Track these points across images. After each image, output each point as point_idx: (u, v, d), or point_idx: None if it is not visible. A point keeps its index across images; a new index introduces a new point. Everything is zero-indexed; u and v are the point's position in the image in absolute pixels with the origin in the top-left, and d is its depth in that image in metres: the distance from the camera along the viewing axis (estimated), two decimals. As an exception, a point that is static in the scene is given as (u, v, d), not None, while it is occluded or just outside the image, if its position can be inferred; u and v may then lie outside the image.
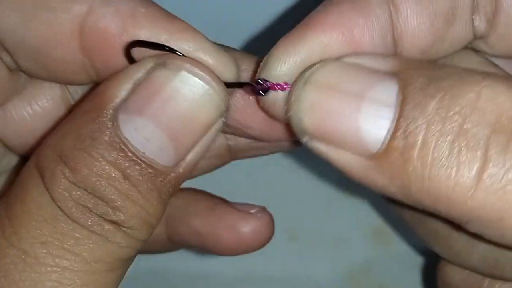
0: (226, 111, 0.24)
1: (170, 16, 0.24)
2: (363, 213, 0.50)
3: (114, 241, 0.23)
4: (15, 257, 0.22)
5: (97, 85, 0.25)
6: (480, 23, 0.26)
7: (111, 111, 0.23)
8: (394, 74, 0.22)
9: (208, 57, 0.24)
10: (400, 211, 0.33)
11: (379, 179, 0.22)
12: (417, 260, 0.49)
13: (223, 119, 0.25)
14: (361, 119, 0.22)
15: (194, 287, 0.49)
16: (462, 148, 0.20)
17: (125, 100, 0.23)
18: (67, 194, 0.23)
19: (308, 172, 0.52)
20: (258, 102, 0.27)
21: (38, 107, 0.29)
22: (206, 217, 0.34)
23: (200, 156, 0.25)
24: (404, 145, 0.21)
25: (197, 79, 0.23)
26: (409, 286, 0.48)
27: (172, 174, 0.24)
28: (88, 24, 0.24)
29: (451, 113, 0.21)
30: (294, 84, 0.24)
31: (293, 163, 0.53)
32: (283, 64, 0.24)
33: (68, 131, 0.23)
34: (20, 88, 0.28)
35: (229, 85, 0.25)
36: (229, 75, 0.25)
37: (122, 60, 0.24)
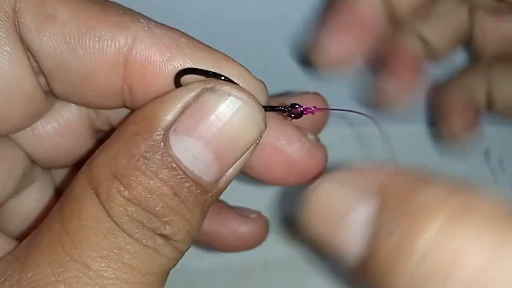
0: (264, 131, 0.27)
1: (208, 47, 0.27)
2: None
3: (164, 254, 0.25)
4: (78, 271, 0.24)
5: (133, 110, 0.28)
6: None
7: (162, 132, 0.25)
8: (373, 195, 0.24)
9: (246, 83, 0.27)
10: None
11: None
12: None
13: (259, 140, 0.27)
14: (342, 239, 0.24)
15: (193, 285, 0.49)
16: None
17: (175, 122, 0.25)
18: (122, 210, 0.24)
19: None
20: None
21: (65, 124, 0.31)
22: (213, 219, 0.39)
23: (238, 171, 0.27)
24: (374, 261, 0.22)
25: (242, 103, 0.25)
26: None
27: (214, 190, 0.26)
28: (133, 54, 0.26)
29: (411, 249, 0.21)
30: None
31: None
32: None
33: (120, 151, 0.25)
34: (49, 108, 0.30)
35: (266, 108, 0.27)
36: (261, 99, 0.27)
37: (163, 86, 0.26)
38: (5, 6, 0.25)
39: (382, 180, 0.24)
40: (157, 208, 0.24)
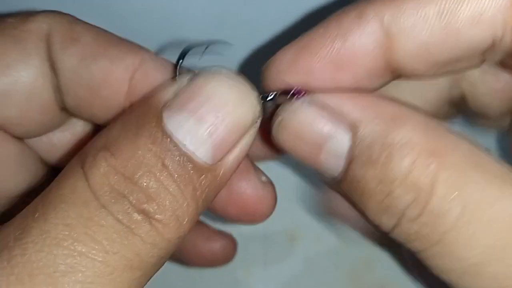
0: (258, 117, 0.26)
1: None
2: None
3: (137, 234, 0.23)
4: (35, 237, 0.22)
5: None
6: None
7: (155, 106, 0.25)
8: (349, 129, 0.26)
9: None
10: None
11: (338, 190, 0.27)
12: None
13: (255, 126, 0.26)
14: (321, 160, 0.27)
15: (193, 285, 0.49)
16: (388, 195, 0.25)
17: (170, 100, 0.25)
18: (104, 179, 0.23)
19: (309, 171, 0.52)
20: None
21: (75, 131, 0.34)
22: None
23: (238, 161, 0.26)
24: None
25: (234, 82, 0.25)
26: (410, 285, 0.48)
27: (210, 174, 0.25)
28: (139, 73, 0.29)
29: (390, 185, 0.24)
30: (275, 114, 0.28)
31: (294, 162, 0.53)
32: (278, 81, 0.28)
33: (114, 126, 0.25)
34: (62, 122, 0.33)
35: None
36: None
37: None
38: (41, 30, 0.29)
39: (358, 113, 0.26)
40: (143, 179, 0.23)
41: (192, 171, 0.24)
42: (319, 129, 0.26)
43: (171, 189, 0.24)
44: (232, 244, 0.43)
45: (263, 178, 0.34)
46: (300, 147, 0.27)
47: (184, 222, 0.24)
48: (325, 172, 0.27)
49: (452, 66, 0.26)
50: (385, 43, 0.25)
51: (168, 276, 0.48)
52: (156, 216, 0.23)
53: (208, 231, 0.43)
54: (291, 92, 0.27)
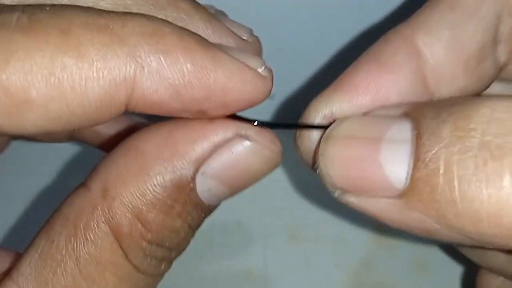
0: None
1: (215, 59, 0.22)
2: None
3: (163, 272, 0.26)
4: None
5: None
6: (502, 55, 0.28)
7: (192, 170, 0.24)
8: (406, 115, 0.23)
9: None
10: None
11: (416, 217, 0.22)
12: (419, 259, 0.49)
13: None
14: (382, 159, 0.22)
15: (193, 285, 0.49)
16: (487, 160, 0.20)
17: (203, 162, 0.24)
18: (143, 254, 0.24)
19: (309, 171, 0.52)
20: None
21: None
22: None
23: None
24: (427, 174, 0.21)
25: (273, 156, 0.25)
26: (411, 284, 0.48)
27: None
28: (135, 96, 0.22)
29: (468, 131, 0.20)
30: (319, 143, 0.25)
31: (294, 162, 0.53)
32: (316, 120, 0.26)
33: (144, 186, 0.24)
34: None
35: (303, 126, 0.27)
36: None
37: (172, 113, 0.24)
38: None
39: (404, 108, 0.24)
40: (174, 244, 0.25)
41: (204, 217, 0.26)
42: (372, 120, 0.24)
43: (188, 238, 0.26)
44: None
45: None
46: (352, 156, 0.23)
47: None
48: (386, 186, 0.23)
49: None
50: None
51: (167, 275, 0.48)
52: (173, 256, 0.26)
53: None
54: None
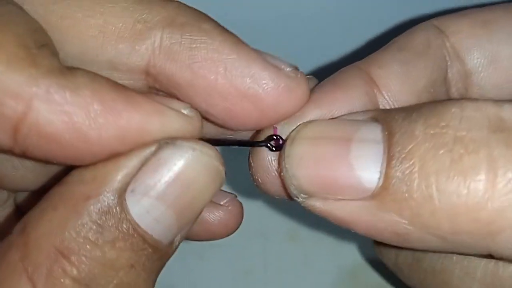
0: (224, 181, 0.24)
1: (129, 101, 0.21)
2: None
3: None
4: None
5: (71, 167, 0.23)
6: (456, 96, 0.29)
7: (117, 193, 0.21)
8: (374, 119, 0.23)
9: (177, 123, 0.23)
10: (395, 259, 0.32)
11: (387, 219, 0.21)
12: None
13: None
14: (353, 160, 0.22)
15: (193, 285, 0.49)
16: (463, 154, 0.20)
17: (132, 181, 0.22)
18: None
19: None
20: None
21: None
22: None
23: (192, 226, 0.24)
24: (402, 171, 0.21)
25: (208, 159, 0.23)
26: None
27: (170, 252, 0.23)
28: (27, 126, 0.20)
29: (440, 128, 0.21)
30: (283, 146, 0.24)
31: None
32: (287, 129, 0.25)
33: (66, 219, 0.21)
34: None
35: (243, 144, 0.25)
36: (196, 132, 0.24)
37: (77, 157, 0.22)
38: None
39: (372, 113, 0.24)
40: (110, 286, 0.21)
41: (157, 260, 0.22)
42: (342, 122, 0.24)
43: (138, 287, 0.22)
44: (233, 215, 0.32)
45: (289, 70, 0.25)
46: (322, 156, 0.23)
47: None
48: (357, 187, 0.22)
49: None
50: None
51: (167, 275, 0.48)
52: None
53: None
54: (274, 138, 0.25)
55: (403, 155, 0.21)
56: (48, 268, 0.20)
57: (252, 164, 0.26)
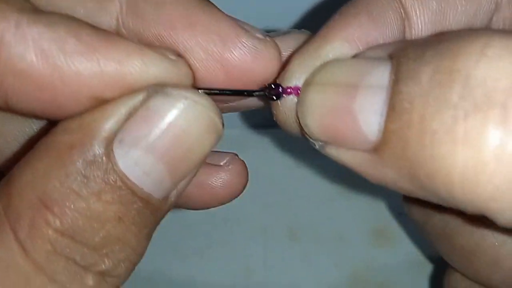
0: (222, 136, 0.23)
1: (107, 39, 0.21)
2: (364, 212, 0.50)
3: None
4: None
5: (52, 122, 0.22)
6: None
7: (104, 143, 0.20)
8: (389, 57, 0.21)
9: (162, 70, 0.22)
10: (423, 222, 0.31)
11: (389, 173, 0.19)
12: (419, 258, 0.49)
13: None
14: (356, 108, 0.20)
15: (193, 285, 0.49)
16: (469, 112, 0.17)
17: (120, 131, 0.20)
18: (49, 247, 0.19)
19: (308, 170, 0.52)
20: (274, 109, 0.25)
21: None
22: None
23: (190, 181, 0.23)
24: (400, 126, 0.18)
25: (201, 108, 0.21)
26: (411, 284, 0.48)
27: (164, 207, 0.22)
28: (0, 64, 0.20)
29: (450, 73, 0.17)
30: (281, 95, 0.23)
31: (294, 161, 0.53)
32: (301, 75, 0.23)
33: (50, 169, 0.20)
34: None
35: (239, 93, 0.24)
36: (186, 81, 0.23)
37: (56, 99, 0.21)
38: None
39: (392, 47, 0.21)
40: (96, 239, 0.20)
41: (149, 214, 0.21)
42: (354, 64, 0.22)
43: (127, 242, 0.21)
44: (236, 175, 0.30)
45: (258, 34, 0.24)
46: (329, 104, 0.21)
47: (138, 261, 0.22)
48: (360, 139, 0.20)
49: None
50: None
51: (167, 274, 0.48)
52: (111, 273, 0.21)
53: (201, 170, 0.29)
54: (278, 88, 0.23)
55: (404, 107, 0.18)
56: (30, 219, 0.19)
57: (274, 114, 0.25)
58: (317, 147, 0.23)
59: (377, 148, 0.20)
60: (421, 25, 0.24)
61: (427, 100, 0.18)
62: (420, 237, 0.48)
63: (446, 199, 0.18)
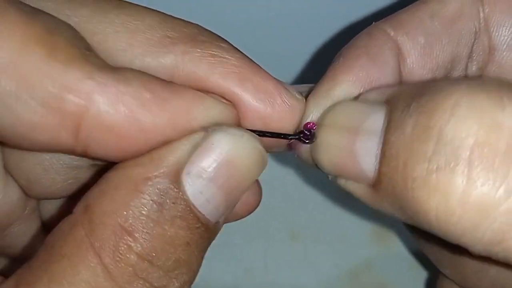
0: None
1: (175, 90, 0.23)
2: (364, 212, 0.50)
3: None
4: None
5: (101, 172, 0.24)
6: (472, 71, 0.29)
7: (174, 173, 0.22)
8: (384, 103, 0.24)
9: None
10: (416, 230, 0.33)
11: (385, 205, 0.23)
12: (419, 258, 0.49)
13: None
14: (357, 150, 0.23)
15: (193, 285, 0.49)
16: (441, 165, 0.20)
17: (186, 163, 0.23)
18: (131, 271, 0.21)
19: (309, 171, 0.52)
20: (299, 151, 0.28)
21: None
22: None
23: (233, 208, 0.25)
24: (389, 170, 0.22)
25: (255, 144, 0.24)
26: (410, 284, 0.48)
27: (216, 231, 0.25)
28: (88, 120, 0.22)
29: (427, 129, 0.20)
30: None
31: (294, 162, 0.53)
32: (316, 115, 0.27)
33: (128, 198, 0.22)
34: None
35: (277, 135, 0.26)
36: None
37: (134, 146, 0.23)
38: None
39: (388, 92, 0.24)
40: (169, 263, 0.22)
41: (207, 238, 0.24)
42: (356, 108, 0.25)
43: (191, 265, 0.23)
44: (252, 193, 0.32)
45: (297, 95, 0.27)
46: (334, 145, 0.25)
47: (192, 283, 0.24)
48: (361, 176, 0.24)
49: (450, 64, 0.29)
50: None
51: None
52: None
53: None
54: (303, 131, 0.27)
55: (392, 154, 0.21)
56: (114, 244, 0.21)
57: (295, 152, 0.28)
58: (329, 178, 0.26)
59: (374, 185, 0.23)
60: (412, 58, 0.28)
61: (409, 151, 0.21)
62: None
63: (431, 231, 0.21)
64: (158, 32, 0.25)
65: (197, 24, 0.26)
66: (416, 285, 0.48)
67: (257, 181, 0.32)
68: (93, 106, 0.21)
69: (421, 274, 0.49)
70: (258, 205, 0.33)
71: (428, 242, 0.32)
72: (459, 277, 0.31)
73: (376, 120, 0.23)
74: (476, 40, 0.28)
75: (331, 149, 0.25)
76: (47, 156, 0.27)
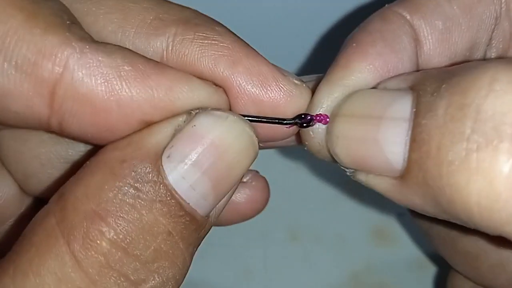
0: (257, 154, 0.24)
1: (158, 67, 0.22)
2: (364, 212, 0.50)
3: None
4: None
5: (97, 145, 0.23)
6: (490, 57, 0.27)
7: (154, 157, 0.21)
8: (410, 89, 0.22)
9: (206, 98, 0.23)
10: (428, 227, 0.32)
11: (415, 198, 0.21)
12: (419, 259, 0.49)
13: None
14: (381, 139, 0.22)
15: (193, 285, 0.49)
16: (481, 145, 0.18)
17: (168, 147, 0.22)
18: (103, 260, 0.20)
19: (309, 171, 0.52)
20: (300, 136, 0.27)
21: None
22: None
23: (226, 203, 0.24)
24: (420, 156, 0.20)
25: (242, 125, 0.23)
26: (410, 284, 0.48)
27: (207, 225, 0.23)
28: (63, 88, 0.21)
29: (462, 108, 0.18)
30: (312, 122, 0.25)
31: (294, 163, 0.53)
32: (328, 104, 0.24)
33: (103, 182, 0.21)
34: None
35: (271, 121, 0.25)
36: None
37: (110, 122, 0.22)
38: None
39: (411, 78, 0.22)
40: (147, 252, 0.21)
41: (194, 230, 0.22)
42: (378, 96, 0.23)
43: (175, 258, 0.22)
44: (259, 190, 0.32)
45: (295, 80, 0.25)
46: (355, 135, 0.23)
47: (182, 281, 0.23)
48: (386, 167, 0.22)
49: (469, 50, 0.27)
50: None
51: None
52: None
53: None
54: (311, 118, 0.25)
55: (423, 138, 0.20)
56: (84, 230, 0.20)
57: (304, 142, 0.26)
58: (348, 173, 0.24)
59: (403, 176, 0.21)
60: (429, 45, 0.25)
61: (442, 133, 0.19)
62: (420, 237, 0.48)
63: (468, 223, 0.20)
64: (151, 15, 0.24)
65: (195, 10, 0.25)
66: (416, 285, 0.48)
67: (263, 178, 0.32)
68: (68, 74, 0.21)
69: (421, 274, 0.48)
70: (266, 203, 0.32)
71: (442, 239, 0.31)
72: (473, 273, 0.30)
73: (403, 105, 0.21)
74: (497, 26, 0.26)
75: (350, 140, 0.23)
76: (44, 150, 0.27)
